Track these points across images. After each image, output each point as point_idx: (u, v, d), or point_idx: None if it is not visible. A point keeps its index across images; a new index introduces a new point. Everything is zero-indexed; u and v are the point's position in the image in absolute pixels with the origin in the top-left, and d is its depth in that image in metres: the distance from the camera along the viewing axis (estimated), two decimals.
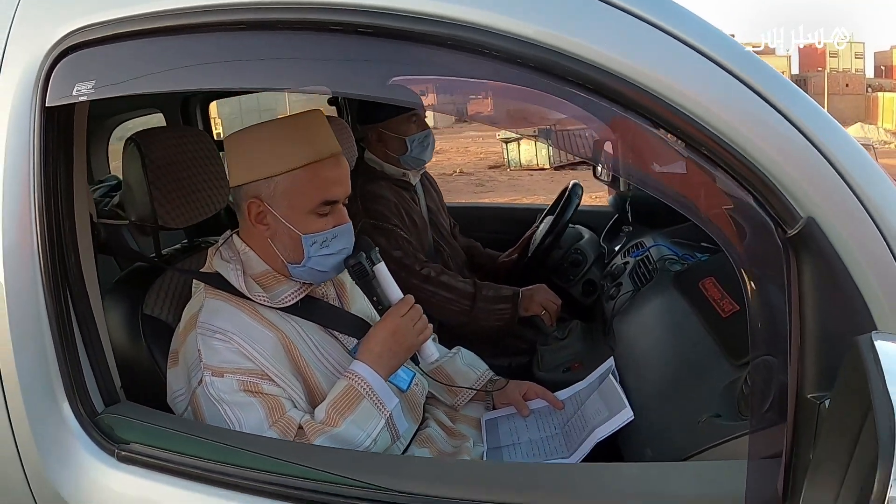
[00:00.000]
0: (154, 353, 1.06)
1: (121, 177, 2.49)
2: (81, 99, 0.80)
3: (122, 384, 0.92)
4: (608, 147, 0.71)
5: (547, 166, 13.13)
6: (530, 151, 13.24)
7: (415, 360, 1.10)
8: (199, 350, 0.96)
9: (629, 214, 1.88)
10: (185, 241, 1.30)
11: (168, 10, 0.75)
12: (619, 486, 0.79)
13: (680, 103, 0.60)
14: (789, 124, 0.61)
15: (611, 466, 0.90)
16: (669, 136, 0.62)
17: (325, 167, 1.01)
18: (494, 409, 1.29)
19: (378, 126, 1.75)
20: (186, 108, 2.16)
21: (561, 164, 13.17)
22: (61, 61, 0.81)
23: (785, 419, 0.61)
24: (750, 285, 0.65)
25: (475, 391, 1.28)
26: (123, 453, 0.81)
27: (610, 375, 1.20)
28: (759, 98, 0.61)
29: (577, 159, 12.58)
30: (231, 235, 1.10)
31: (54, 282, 0.83)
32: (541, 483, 0.78)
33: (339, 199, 1.04)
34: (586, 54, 0.61)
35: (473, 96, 0.76)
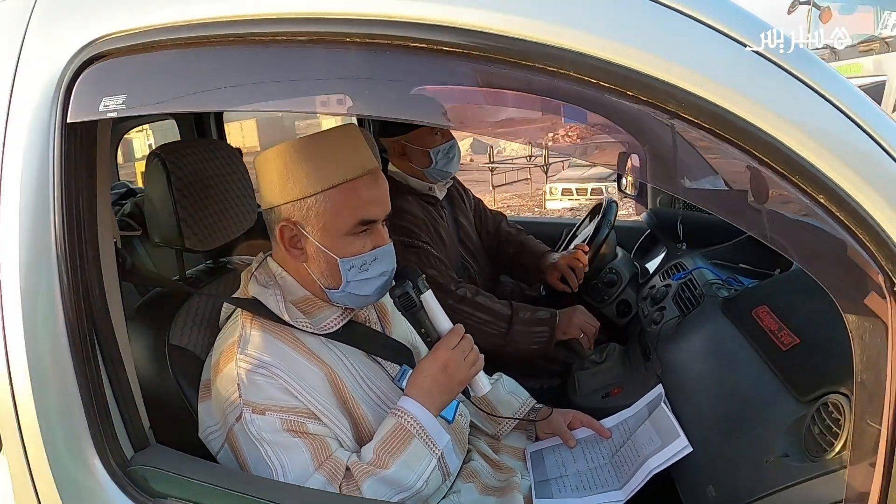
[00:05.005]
0: (183, 386, 0.98)
1: (130, 184, 2.42)
2: (110, 115, 0.73)
3: (149, 422, 0.85)
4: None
5: None
6: None
7: (464, 392, 1.03)
8: (238, 384, 0.89)
9: (673, 232, 1.79)
10: (210, 261, 1.21)
11: (205, 21, 0.68)
12: None
13: (806, 157, 0.59)
14: None
15: None
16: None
17: (361, 185, 0.94)
18: (538, 439, 1.23)
19: (401, 139, 1.67)
20: (201, 118, 2.08)
21: None
22: (85, 71, 0.75)
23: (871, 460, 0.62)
24: (849, 325, 0.64)
25: (518, 420, 1.22)
26: None
27: (662, 404, 1.13)
28: (882, 151, 0.60)
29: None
30: (265, 258, 1.03)
31: (77, 316, 0.76)
32: None
33: (377, 219, 0.97)
34: (745, 115, 0.60)
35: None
